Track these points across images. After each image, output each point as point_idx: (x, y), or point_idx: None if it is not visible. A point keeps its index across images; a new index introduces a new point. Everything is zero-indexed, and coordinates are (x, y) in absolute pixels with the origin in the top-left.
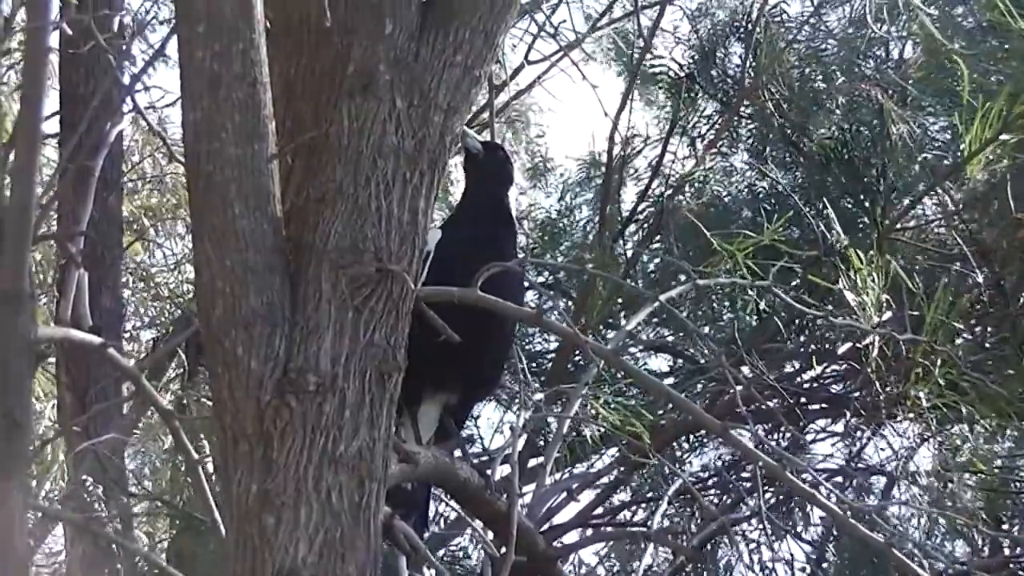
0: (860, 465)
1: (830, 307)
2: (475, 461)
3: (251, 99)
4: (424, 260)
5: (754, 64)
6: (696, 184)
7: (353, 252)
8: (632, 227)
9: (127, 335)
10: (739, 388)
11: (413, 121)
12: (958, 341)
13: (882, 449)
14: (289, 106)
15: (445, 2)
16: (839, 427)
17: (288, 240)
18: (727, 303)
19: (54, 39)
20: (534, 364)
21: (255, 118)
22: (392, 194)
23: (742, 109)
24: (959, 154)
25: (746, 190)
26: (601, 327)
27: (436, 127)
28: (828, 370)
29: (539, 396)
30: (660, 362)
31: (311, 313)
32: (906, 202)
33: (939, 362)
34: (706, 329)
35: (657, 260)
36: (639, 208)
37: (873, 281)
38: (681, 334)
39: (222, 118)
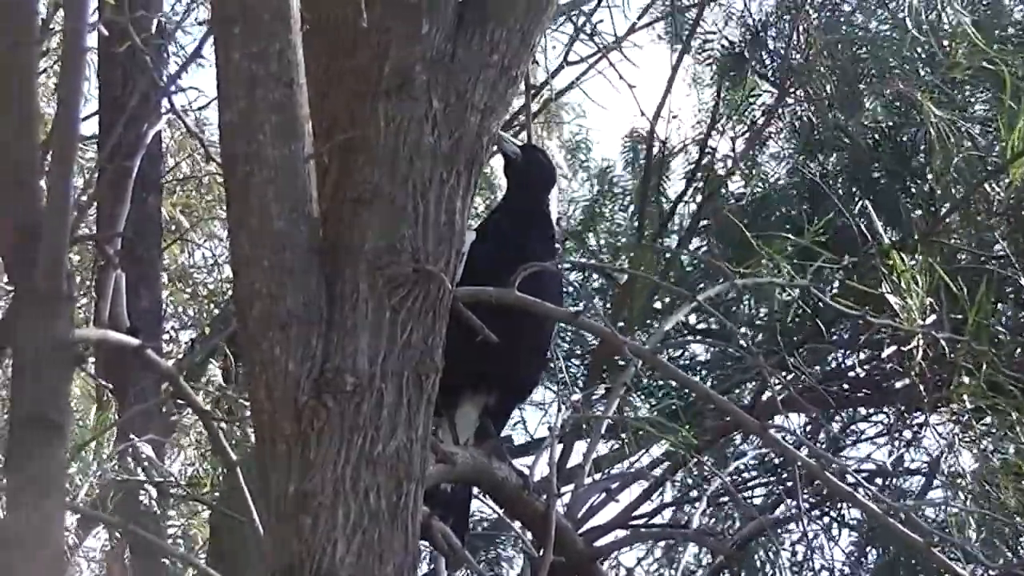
0: (901, 466)
1: (871, 308)
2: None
3: (288, 100)
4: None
5: (802, 46)
6: (741, 176)
7: (390, 252)
8: (673, 224)
9: (165, 336)
10: (778, 387)
11: (449, 121)
12: (999, 341)
13: (923, 449)
14: (325, 106)
15: (482, 2)
16: (880, 420)
17: (325, 241)
18: (767, 302)
19: (92, 40)
20: (574, 362)
21: (292, 119)
22: (429, 195)
23: (789, 93)
24: (1002, 154)
25: (787, 180)
26: (639, 327)
27: (472, 127)
28: (873, 364)
29: (577, 396)
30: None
31: (348, 313)
32: (948, 202)
33: (982, 365)
34: (744, 329)
35: (696, 260)
36: (679, 204)
37: (916, 284)
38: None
39: (259, 119)
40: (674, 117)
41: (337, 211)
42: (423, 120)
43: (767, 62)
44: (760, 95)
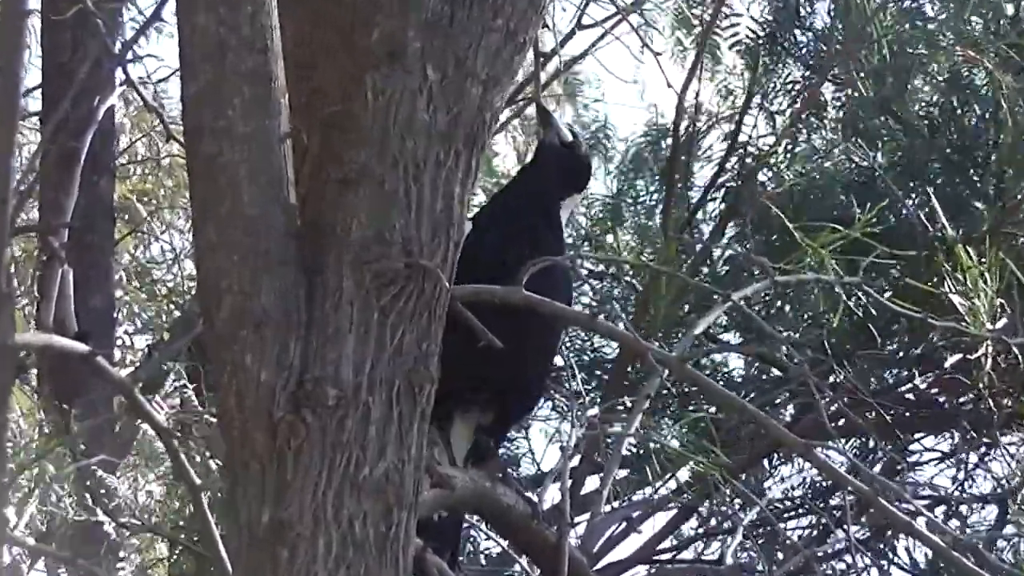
0: (968, 492)
1: (932, 311)
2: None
3: (261, 69)
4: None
5: (844, 22)
6: (778, 163)
7: (379, 244)
8: (703, 214)
9: (119, 341)
10: (825, 401)
11: (447, 94)
12: None
13: (992, 474)
14: (304, 78)
15: None
16: (944, 447)
17: (304, 230)
18: (812, 303)
19: (34, 1)
20: (588, 375)
21: (266, 91)
22: (423, 178)
23: (830, 75)
24: None
25: (835, 169)
26: (665, 331)
27: (473, 101)
28: (932, 380)
29: (593, 411)
30: (738, 363)
31: (330, 314)
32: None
33: None
34: (787, 333)
35: (730, 253)
36: (710, 193)
37: (985, 282)
38: (760, 339)
39: (228, 91)
40: (695, 107)
41: (318, 196)
42: (416, 93)
43: (800, 38)
44: (796, 82)
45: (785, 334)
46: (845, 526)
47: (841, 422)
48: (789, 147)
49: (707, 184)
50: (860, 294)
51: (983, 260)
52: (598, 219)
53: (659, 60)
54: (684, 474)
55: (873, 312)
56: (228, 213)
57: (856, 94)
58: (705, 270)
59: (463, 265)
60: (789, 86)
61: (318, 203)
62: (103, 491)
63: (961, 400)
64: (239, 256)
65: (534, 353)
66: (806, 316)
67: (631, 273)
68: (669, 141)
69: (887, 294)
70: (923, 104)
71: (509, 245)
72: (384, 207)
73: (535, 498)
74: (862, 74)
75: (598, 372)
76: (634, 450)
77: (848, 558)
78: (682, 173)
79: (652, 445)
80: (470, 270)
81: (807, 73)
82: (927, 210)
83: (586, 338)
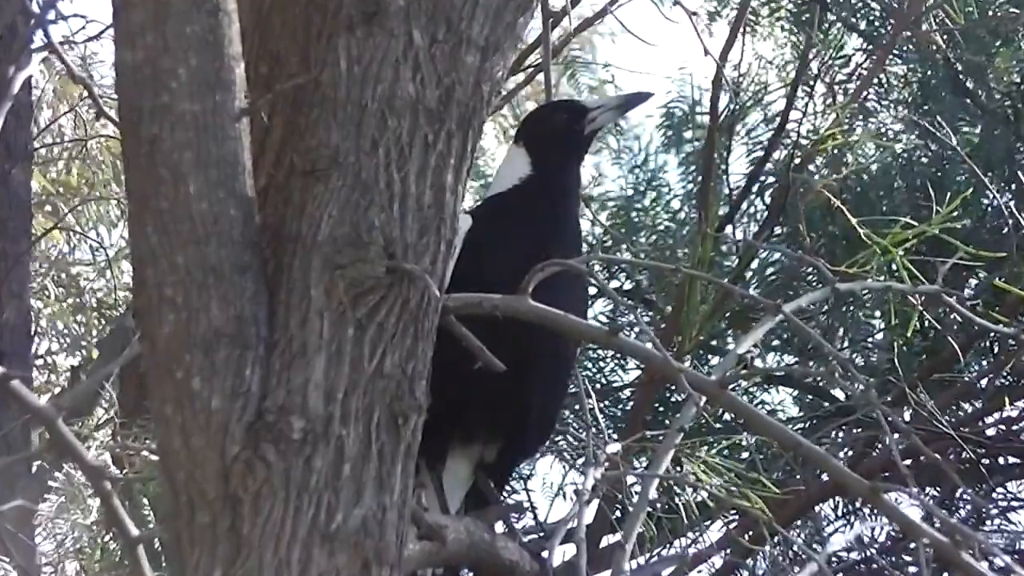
0: None
1: None
2: (526, 539)
3: (212, 34)
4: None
5: None
6: (834, 150)
7: (354, 245)
8: (744, 209)
9: (39, 361)
10: (897, 436)
11: (437, 63)
12: None
13: None
14: (264, 43)
15: None
16: None
17: (264, 229)
18: (879, 316)
19: None
20: (608, 402)
21: (217, 60)
22: (408, 165)
23: (897, 46)
24: None
25: (904, 157)
26: (701, 350)
27: (470, 71)
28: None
29: (614, 447)
30: (783, 397)
31: (296, 331)
32: None
33: None
34: (849, 353)
35: (779, 256)
36: (754, 184)
37: None
38: (813, 360)
39: (171, 60)
40: (735, 81)
41: (281, 188)
42: (400, 61)
43: (860, 10)
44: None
45: (847, 353)
46: None
47: (915, 461)
48: (848, 129)
49: (751, 171)
50: (938, 304)
51: None
52: (618, 214)
53: (693, 20)
54: (724, 523)
55: (954, 326)
56: (171, 209)
57: (926, 70)
58: (749, 275)
59: (459, 270)
60: (845, 59)
61: (281, 196)
62: (15, 546)
63: None
64: (184, 260)
65: (544, 376)
66: (873, 331)
67: (659, 278)
68: (705, 119)
69: (970, 304)
70: (1006, 83)
71: (519, 244)
72: (360, 200)
73: (544, 553)
74: (933, 47)
75: (619, 399)
76: (664, 494)
77: None
78: (722, 158)
79: (686, 487)
80: (469, 276)
81: (866, 44)
82: (1014, 205)
83: (605, 357)
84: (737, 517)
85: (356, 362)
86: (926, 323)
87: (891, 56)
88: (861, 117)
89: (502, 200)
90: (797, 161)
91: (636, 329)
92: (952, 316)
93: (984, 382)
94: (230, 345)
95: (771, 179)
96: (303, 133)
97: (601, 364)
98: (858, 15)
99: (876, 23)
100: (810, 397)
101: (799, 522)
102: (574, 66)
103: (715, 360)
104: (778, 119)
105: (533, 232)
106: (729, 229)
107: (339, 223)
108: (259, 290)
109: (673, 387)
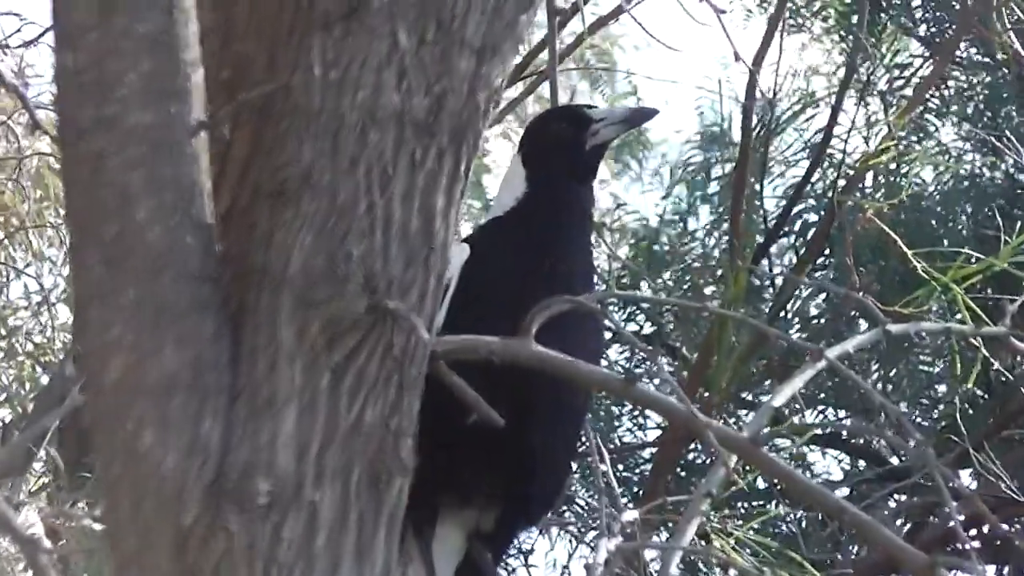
0: None
1: None
2: None
3: (166, 34)
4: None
5: None
6: (886, 169)
7: (330, 280)
8: (782, 241)
9: None
10: (958, 503)
11: (426, 68)
12: None
13: None
14: (227, 45)
15: None
16: None
17: (226, 260)
18: (938, 363)
19: None
20: (624, 464)
21: (172, 64)
22: (392, 186)
23: (960, 49)
24: None
25: (967, 179)
26: (731, 403)
27: (463, 77)
28: None
29: (631, 516)
30: (830, 463)
31: (263, 378)
32: None
33: None
34: (904, 407)
35: (822, 293)
36: (793, 209)
37: None
38: (862, 414)
39: (119, 63)
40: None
41: (246, 212)
42: (383, 65)
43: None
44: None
45: (899, 405)
46: None
47: (979, 530)
48: (902, 146)
49: (790, 194)
50: (1006, 350)
51: None
52: (636, 244)
53: (723, 21)
54: None
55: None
56: (118, 237)
57: (994, 78)
58: (788, 315)
59: (453, 309)
60: (900, 67)
61: (245, 222)
62: None
63: None
64: (134, 297)
65: (549, 432)
66: (931, 381)
67: (683, 319)
68: (737, 135)
69: None
70: None
71: (518, 277)
72: (337, 227)
73: None
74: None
75: (637, 460)
76: (687, 571)
77: None
78: (757, 178)
79: (714, 562)
80: (464, 316)
81: (923, 51)
82: None
83: (621, 412)
84: None
85: (332, 415)
86: (992, 371)
87: (953, 62)
88: (918, 132)
89: (499, 224)
90: (843, 183)
91: (657, 378)
92: (1023, 363)
93: None
94: (186, 394)
95: (813, 203)
96: (270, 149)
97: (616, 420)
98: (915, 15)
99: (935, 24)
100: (860, 461)
101: None
102: (591, 75)
103: (748, 415)
104: (821, 134)
105: (534, 261)
106: (765, 262)
107: (312, 253)
108: (220, 331)
109: (699, 445)
